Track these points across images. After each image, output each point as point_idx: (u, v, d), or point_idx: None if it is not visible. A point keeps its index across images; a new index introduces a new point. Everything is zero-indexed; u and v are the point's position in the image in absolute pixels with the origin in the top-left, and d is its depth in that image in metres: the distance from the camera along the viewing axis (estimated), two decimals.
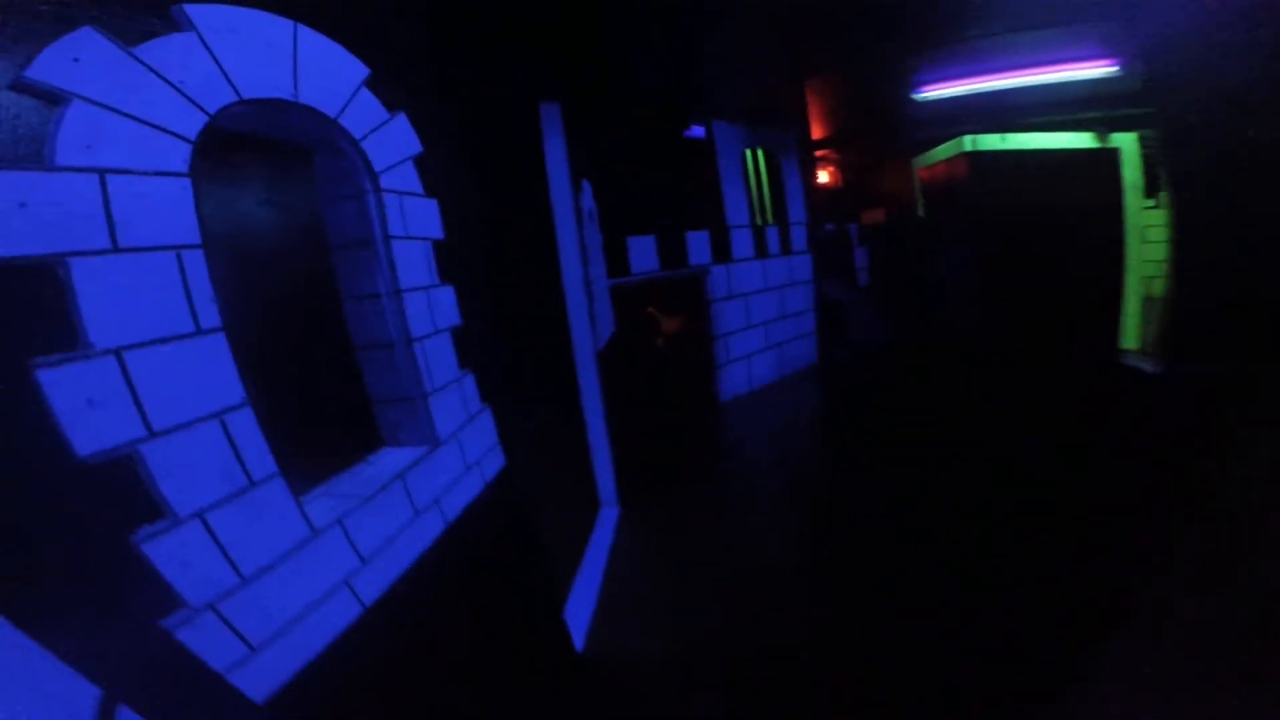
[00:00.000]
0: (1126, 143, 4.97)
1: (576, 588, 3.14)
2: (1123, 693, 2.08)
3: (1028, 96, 4.89)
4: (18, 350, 0.80)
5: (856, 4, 3.29)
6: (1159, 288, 6.37)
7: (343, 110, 1.47)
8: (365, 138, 1.53)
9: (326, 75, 1.44)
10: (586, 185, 4.16)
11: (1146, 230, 7.04)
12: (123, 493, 0.91)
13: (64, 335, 0.85)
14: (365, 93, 1.58)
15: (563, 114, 3.59)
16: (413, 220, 1.69)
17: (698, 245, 5.70)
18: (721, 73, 5.44)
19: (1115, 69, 4.46)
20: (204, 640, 1.00)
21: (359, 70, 1.56)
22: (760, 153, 6.50)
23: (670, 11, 3.16)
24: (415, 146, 1.75)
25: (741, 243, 6.13)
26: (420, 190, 1.75)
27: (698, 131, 5.83)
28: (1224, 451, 3.65)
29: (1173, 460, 3.57)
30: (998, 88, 4.85)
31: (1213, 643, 2.22)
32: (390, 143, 1.63)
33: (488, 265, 2.38)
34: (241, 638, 1.07)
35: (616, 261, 4.95)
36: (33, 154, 0.83)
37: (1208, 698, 2.00)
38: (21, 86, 0.83)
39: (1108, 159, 5.03)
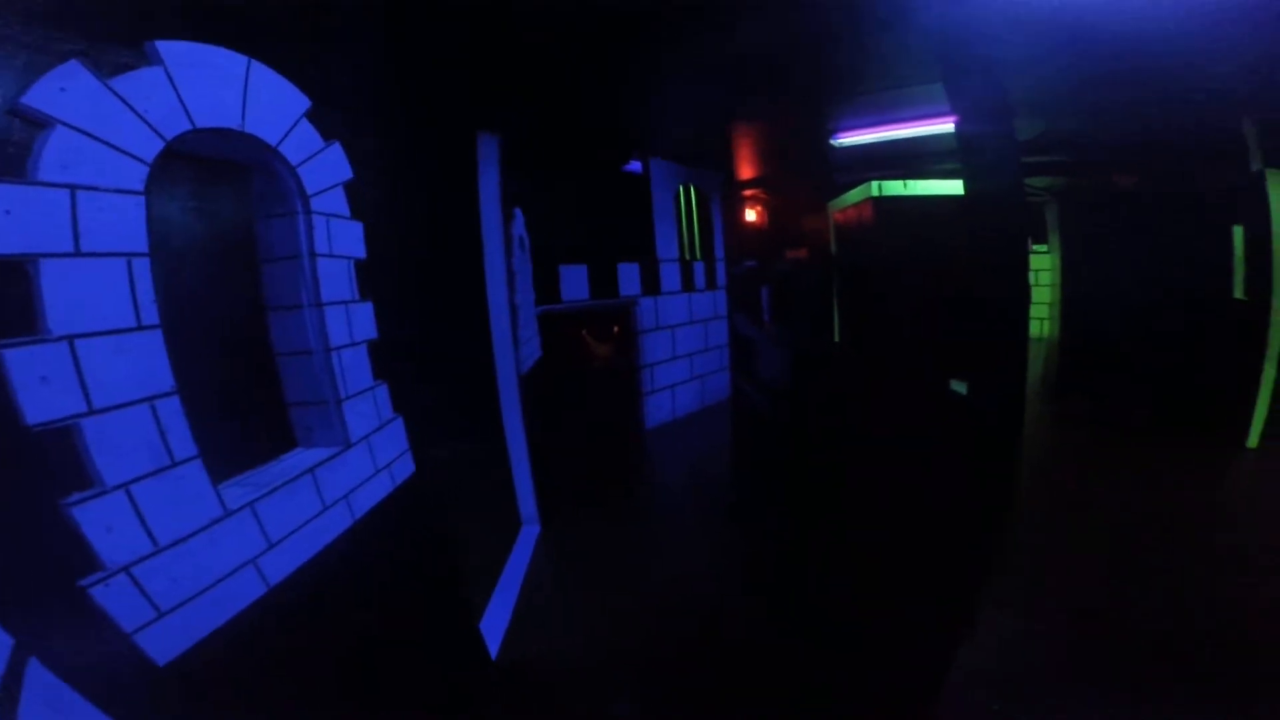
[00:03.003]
0: None
1: (494, 598, 3.25)
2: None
3: (931, 145, 5.50)
4: None
5: (782, 55, 3.66)
6: (1045, 329, 7.19)
7: (283, 139, 1.65)
8: (301, 164, 1.71)
9: (271, 106, 1.62)
10: (519, 213, 4.38)
11: (1035, 274, 7.97)
12: (60, 461, 1.05)
13: (27, 322, 1.01)
14: (305, 123, 1.76)
15: (499, 144, 3.82)
16: (338, 240, 1.87)
17: (628, 276, 5.99)
18: (659, 113, 5.79)
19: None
20: (116, 600, 1.13)
21: (301, 102, 1.75)
22: (692, 190, 6.92)
23: (611, 54, 3.44)
24: (346, 173, 1.93)
25: (670, 276, 6.47)
26: (347, 213, 1.93)
27: (634, 166, 6.18)
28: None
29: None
30: (904, 136, 5.39)
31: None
32: (323, 169, 1.81)
33: (410, 285, 2.56)
34: (151, 601, 1.20)
35: (548, 289, 5.16)
36: (18, 168, 1.01)
37: None
38: (15, 111, 1.00)
39: None
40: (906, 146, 5.78)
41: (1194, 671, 2.42)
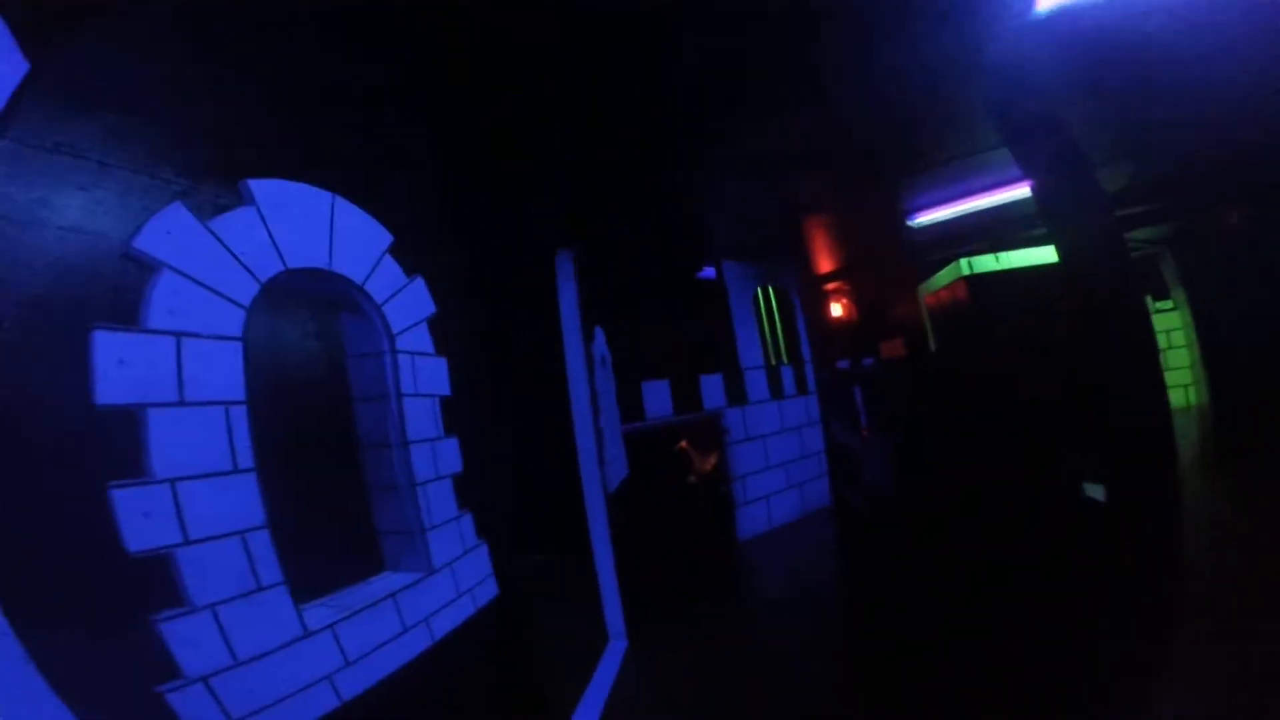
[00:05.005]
0: None
1: (579, 715, 3.09)
2: None
3: (1014, 211, 5.00)
4: (101, 476, 1.10)
5: (846, 138, 3.68)
6: (1190, 395, 6.16)
7: (368, 277, 1.84)
8: (386, 301, 1.89)
9: (356, 243, 1.83)
10: (599, 332, 4.55)
11: (1166, 335, 6.85)
12: (156, 584, 1.14)
13: (135, 464, 1.15)
14: (388, 259, 1.96)
15: (575, 262, 4.02)
16: (423, 378, 2.01)
17: (711, 388, 5.96)
18: (728, 214, 5.89)
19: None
20: (191, 706, 1.17)
21: (384, 238, 1.95)
22: (771, 291, 6.91)
23: (676, 159, 3.61)
24: (429, 308, 2.11)
25: (756, 384, 6.36)
26: (431, 350, 2.09)
27: (708, 272, 6.28)
28: None
29: None
30: (986, 206, 5.02)
31: None
32: (407, 305, 2.00)
33: (495, 414, 2.68)
34: (224, 710, 1.23)
35: (631, 406, 5.20)
36: (129, 315, 1.17)
37: None
38: (129, 256, 1.18)
39: None
40: (991, 218, 5.41)
41: None
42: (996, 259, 4.80)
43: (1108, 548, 2.92)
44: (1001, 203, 4.98)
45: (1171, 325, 6.36)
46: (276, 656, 1.34)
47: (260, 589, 1.34)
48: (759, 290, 6.75)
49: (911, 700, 2.98)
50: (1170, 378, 6.80)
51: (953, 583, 3.72)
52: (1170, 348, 6.77)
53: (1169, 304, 6.29)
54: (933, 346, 6.35)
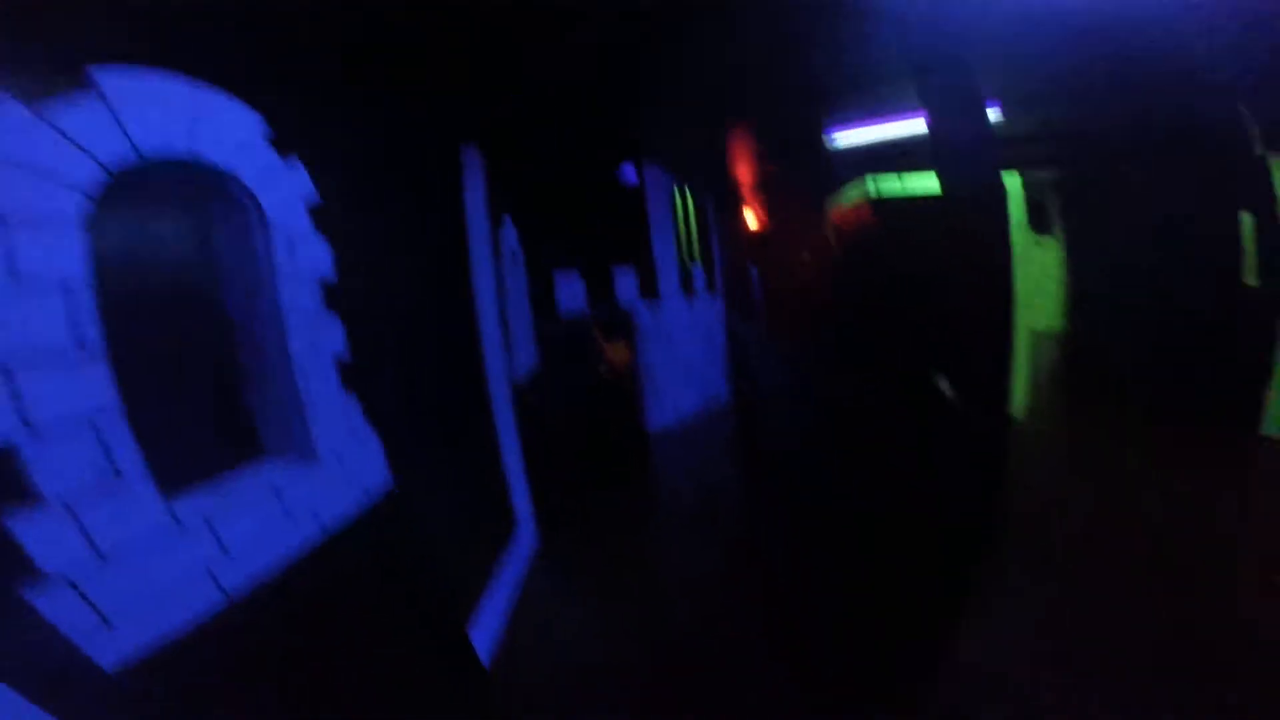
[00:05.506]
0: (1011, 183, 5.52)
1: (485, 607, 3.27)
2: None
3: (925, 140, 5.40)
4: None
5: (775, 53, 3.65)
6: (1053, 322, 7.05)
7: (236, 161, 1.70)
8: (258, 184, 1.77)
9: (222, 129, 1.68)
10: (509, 222, 4.44)
11: (1041, 268, 7.77)
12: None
13: None
14: (261, 144, 1.82)
15: (485, 155, 3.87)
16: (301, 258, 1.92)
17: (625, 283, 6.02)
18: (653, 117, 5.80)
19: (998, 113, 4.98)
20: (58, 609, 1.18)
21: (255, 122, 1.80)
22: (689, 193, 6.92)
23: (602, 57, 3.45)
24: (308, 190, 1.99)
25: (669, 280, 6.48)
26: (311, 230, 1.99)
27: (629, 172, 6.21)
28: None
29: None
30: (899, 133, 5.32)
31: None
32: (282, 188, 1.87)
33: (385, 298, 2.61)
34: (98, 611, 1.25)
35: (542, 298, 5.20)
36: None
37: None
38: None
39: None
40: (909, 143, 5.67)
41: (1201, 665, 2.36)
42: (901, 181, 5.03)
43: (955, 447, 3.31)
44: (913, 130, 5.21)
45: (1048, 259, 7.16)
46: (146, 550, 1.35)
47: (119, 476, 1.32)
48: (677, 192, 6.73)
49: (792, 585, 3.38)
50: (1040, 303, 7.77)
51: (828, 479, 4.12)
52: (1044, 278, 7.72)
53: (1050, 240, 6.94)
54: (836, 256, 6.65)
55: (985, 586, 2.92)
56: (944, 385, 3.17)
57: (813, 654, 2.75)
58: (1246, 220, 5.00)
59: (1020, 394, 5.60)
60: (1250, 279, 5.02)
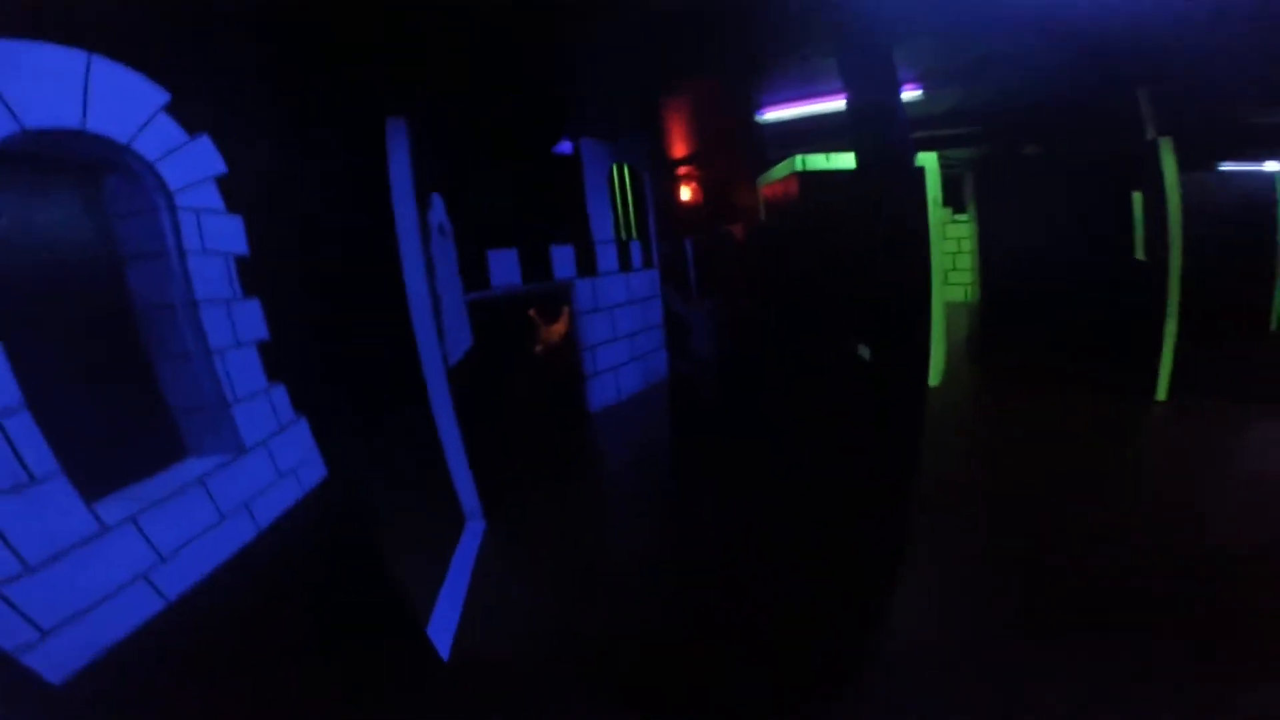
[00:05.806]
0: (929, 161, 5.78)
1: (441, 600, 3.21)
2: None
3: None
4: None
5: (704, 25, 3.64)
6: (969, 294, 7.55)
7: (135, 136, 1.57)
8: (160, 160, 1.63)
9: (120, 103, 1.54)
10: (438, 199, 4.28)
11: (958, 242, 8.37)
12: None
13: None
14: (163, 117, 1.68)
15: (411, 128, 3.70)
16: (211, 235, 1.80)
17: (562, 259, 5.94)
18: (588, 91, 5.72)
19: (920, 93, 5.18)
20: None
21: (157, 96, 1.66)
22: (625, 169, 6.88)
23: (536, 28, 3.34)
24: (218, 166, 1.85)
25: (606, 256, 6.44)
26: (221, 207, 1.86)
27: (565, 147, 6.10)
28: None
29: None
30: (825, 110, 5.46)
31: None
32: (188, 163, 1.74)
33: (309, 280, 2.48)
34: (33, 623, 1.16)
35: (475, 275, 5.06)
36: None
37: None
38: None
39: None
40: (837, 121, 5.87)
41: (1108, 621, 2.59)
42: (827, 159, 5.20)
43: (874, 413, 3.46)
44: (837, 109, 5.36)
45: (963, 235, 7.67)
46: (75, 557, 1.26)
47: (33, 481, 1.22)
48: (613, 167, 6.68)
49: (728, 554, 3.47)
50: (956, 277, 8.34)
51: (756, 448, 4.25)
52: (959, 253, 8.31)
53: (965, 217, 7.40)
54: (764, 229, 6.82)
55: (908, 550, 3.10)
56: (865, 353, 3.31)
57: (753, 621, 2.85)
58: (1138, 199, 5.41)
59: (937, 362, 5.94)
60: (1140, 254, 5.45)
